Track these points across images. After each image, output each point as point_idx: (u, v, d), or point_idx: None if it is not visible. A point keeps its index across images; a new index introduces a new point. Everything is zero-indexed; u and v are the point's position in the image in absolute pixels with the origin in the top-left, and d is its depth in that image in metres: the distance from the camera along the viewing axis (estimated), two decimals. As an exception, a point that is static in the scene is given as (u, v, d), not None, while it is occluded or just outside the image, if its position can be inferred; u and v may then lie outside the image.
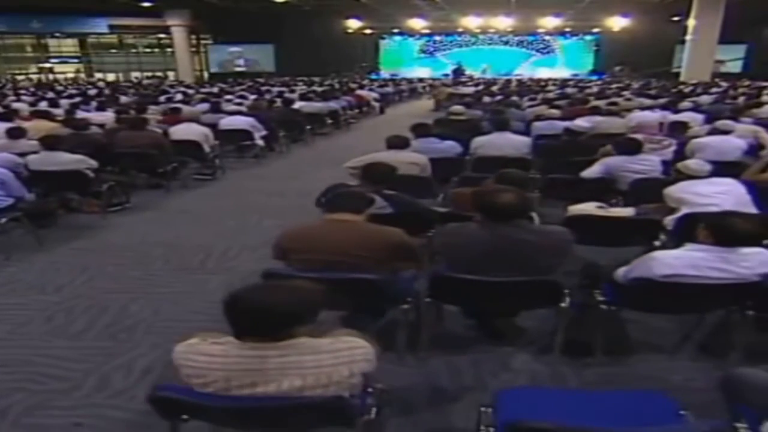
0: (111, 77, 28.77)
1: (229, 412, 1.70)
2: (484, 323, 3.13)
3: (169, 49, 30.28)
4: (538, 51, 33.16)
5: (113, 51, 31.83)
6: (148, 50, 32.54)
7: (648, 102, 10.70)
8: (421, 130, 5.68)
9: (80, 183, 5.34)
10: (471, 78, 25.84)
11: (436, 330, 3.16)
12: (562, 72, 31.01)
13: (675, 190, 3.83)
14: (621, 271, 2.64)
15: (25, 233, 4.75)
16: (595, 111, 8.12)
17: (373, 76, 28.78)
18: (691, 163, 3.96)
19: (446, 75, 28.71)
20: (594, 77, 28.53)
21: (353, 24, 30.13)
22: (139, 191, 6.47)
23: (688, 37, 23.57)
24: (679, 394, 2.49)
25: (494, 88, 16.78)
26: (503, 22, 29.41)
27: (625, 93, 13.09)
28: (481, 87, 17.02)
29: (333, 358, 1.64)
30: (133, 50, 32.40)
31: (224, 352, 1.63)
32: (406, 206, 3.58)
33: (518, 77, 26.72)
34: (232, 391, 1.62)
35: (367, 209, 2.81)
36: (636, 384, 2.73)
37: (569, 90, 15.80)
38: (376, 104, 14.51)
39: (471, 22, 29.58)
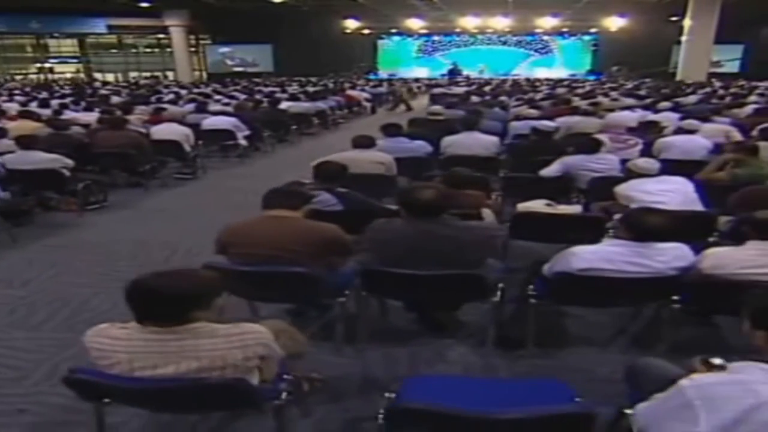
0: (110, 77, 28.94)
1: (136, 392, 1.81)
2: (423, 316, 3.24)
3: (168, 50, 30.43)
4: (536, 51, 33.21)
5: (113, 51, 32.00)
6: (146, 50, 32.71)
7: (631, 102, 10.76)
8: (391, 129, 5.80)
9: (56, 182, 5.46)
10: (467, 78, 25.91)
11: (379, 323, 3.27)
12: (560, 72, 31.04)
13: (624, 188, 3.95)
14: (546, 266, 2.75)
15: (0, 231, 4.88)
16: (574, 111, 8.21)
17: (371, 76, 28.89)
18: (641, 162, 4.06)
19: (443, 75, 28.78)
20: (591, 77, 28.58)
21: (351, 24, 30.23)
22: (118, 190, 6.60)
23: (683, 38, 23.61)
24: (603, 385, 2.62)
25: (487, 89, 16.87)
26: (501, 23, 29.48)
27: (613, 93, 13.14)
28: (473, 87, 17.08)
29: (226, 342, 1.75)
30: (133, 50, 32.58)
31: (128, 335, 1.74)
32: (357, 204, 3.69)
33: (515, 77, 26.78)
34: (136, 372, 1.73)
35: (303, 206, 2.91)
36: (563, 375, 2.82)
37: (560, 90, 15.87)
38: (368, 104, 14.62)
39: (469, 22, 29.65)
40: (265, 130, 9.23)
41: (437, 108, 8.20)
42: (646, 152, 5.69)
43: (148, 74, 30.41)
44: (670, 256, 2.54)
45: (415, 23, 29.99)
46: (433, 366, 2.94)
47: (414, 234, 2.62)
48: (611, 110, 9.12)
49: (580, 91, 14.83)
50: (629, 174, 4.05)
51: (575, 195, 4.86)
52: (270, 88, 16.06)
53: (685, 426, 1.50)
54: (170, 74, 30.04)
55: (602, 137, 5.67)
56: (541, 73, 30.46)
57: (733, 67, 28.50)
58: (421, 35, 32.66)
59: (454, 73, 27.57)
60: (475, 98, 12.60)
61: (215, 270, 2.77)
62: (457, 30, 31.59)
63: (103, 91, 15.38)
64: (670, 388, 1.57)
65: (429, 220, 2.62)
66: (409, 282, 2.71)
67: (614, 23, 28.97)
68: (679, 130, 5.79)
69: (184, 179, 7.27)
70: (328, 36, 30.05)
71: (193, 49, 31.91)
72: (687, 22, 23.28)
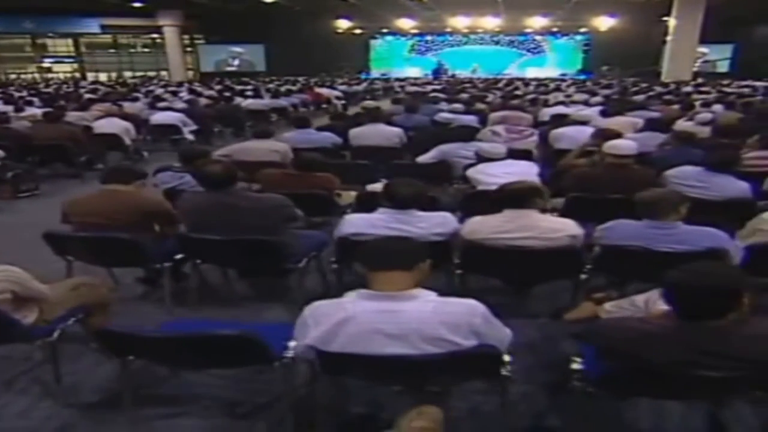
0: (103, 77, 29.50)
1: None
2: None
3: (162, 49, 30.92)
4: (528, 51, 33.35)
5: (110, 51, 32.59)
6: (140, 50, 33.28)
7: (580, 98, 11.07)
8: (299, 122, 6.18)
9: (-15, 171, 5.88)
10: (453, 77, 26.16)
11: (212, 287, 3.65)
12: (551, 72, 31.18)
13: (473, 171, 4.28)
14: (335, 231, 3.08)
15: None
16: (505, 106, 8.52)
17: (363, 76, 29.23)
18: (487, 147, 4.40)
19: (426, 74, 29.09)
20: (582, 77, 28.72)
21: (343, 24, 30.58)
22: (58, 180, 7.00)
23: (669, 37, 23.76)
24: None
25: (460, 87, 17.17)
26: (491, 22, 29.73)
27: (570, 89, 13.48)
28: (444, 86, 17.39)
29: None
30: (131, 49, 33.15)
31: None
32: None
33: (507, 77, 26.99)
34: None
35: (135, 181, 3.29)
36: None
37: (530, 88, 16.15)
38: (338, 102, 14.94)
39: (459, 22, 29.92)
40: (217, 125, 9.63)
41: (370, 103, 8.55)
42: (543, 142, 6.05)
43: (141, 74, 30.94)
44: (431, 222, 2.87)
45: (406, 23, 30.27)
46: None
47: (207, 203, 2.99)
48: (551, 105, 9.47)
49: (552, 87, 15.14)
50: (479, 158, 4.38)
51: (456, 181, 5.18)
52: (251, 86, 16.42)
53: (302, 339, 1.86)
54: (164, 73, 30.54)
55: (498, 128, 6.01)
56: (532, 73, 30.57)
57: (722, 66, 28.56)
58: (414, 35, 32.92)
59: (439, 72, 27.81)
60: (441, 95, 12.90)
61: (54, 237, 3.19)
62: (448, 30, 31.82)
63: (82, 90, 15.87)
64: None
65: (220, 191, 2.98)
66: (216, 246, 3.07)
67: (604, 23, 29.12)
68: (571, 122, 6.09)
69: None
70: (320, 36, 30.39)
71: (189, 49, 32.45)
72: (672, 22, 23.43)
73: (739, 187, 3.83)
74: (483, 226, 2.86)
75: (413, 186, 2.85)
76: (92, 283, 2.80)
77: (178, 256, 3.28)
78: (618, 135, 4.95)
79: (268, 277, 3.70)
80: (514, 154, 4.85)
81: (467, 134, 5.09)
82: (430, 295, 1.86)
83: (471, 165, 4.71)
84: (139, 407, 2.46)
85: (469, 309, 1.81)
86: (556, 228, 2.82)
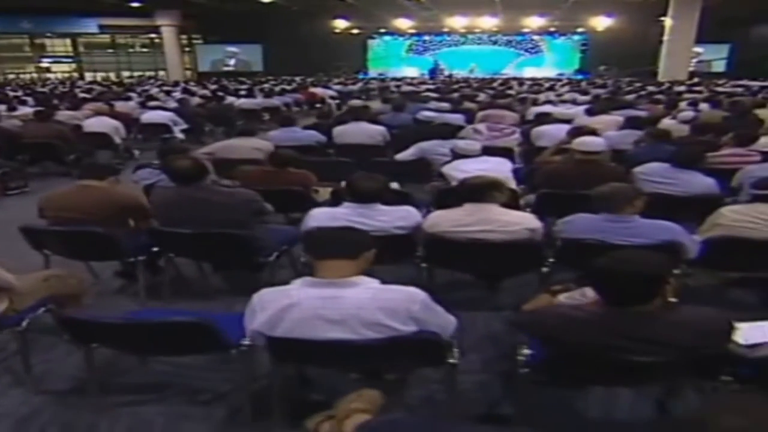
0: (101, 77, 29.57)
1: None
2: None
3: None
4: (526, 51, 33.39)
5: (109, 51, 32.67)
6: (138, 50, 33.37)
7: (569, 98, 11.15)
8: (284, 121, 6.27)
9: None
10: (450, 77, 26.23)
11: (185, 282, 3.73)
12: (548, 72, 31.22)
13: (447, 168, 4.36)
14: (302, 225, 3.15)
15: None
16: (492, 105, 8.59)
17: (361, 76, 29.30)
18: (461, 143, 4.48)
19: (423, 74, 29.17)
20: (579, 77, 28.76)
21: (340, 24, 30.66)
22: (48, 178, 7.08)
23: (665, 37, 23.80)
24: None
25: (456, 86, 17.25)
26: (489, 22, 29.80)
27: (562, 89, 13.56)
28: (438, 86, 17.48)
29: None
30: (129, 49, 33.24)
31: None
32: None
33: (505, 77, 27.05)
34: None
35: (109, 177, 3.37)
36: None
37: (524, 87, 16.25)
38: (332, 101, 15.01)
39: (457, 22, 29.99)
40: (208, 124, 9.71)
41: (356, 102, 8.64)
42: (525, 140, 6.13)
43: (139, 73, 31.03)
44: (393, 216, 2.95)
45: (403, 23, 30.34)
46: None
47: (177, 198, 3.06)
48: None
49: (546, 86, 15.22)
50: (454, 155, 4.46)
51: (435, 178, 5.25)
52: (245, 86, 16.51)
53: (250, 325, 1.94)
54: (162, 73, 30.62)
55: (480, 126, 6.09)
56: (530, 72, 30.62)
57: (719, 66, 28.63)
58: (411, 35, 32.97)
59: (435, 72, 27.90)
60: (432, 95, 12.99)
61: (30, 231, 3.27)
62: (446, 30, 31.89)
63: (77, 90, 15.97)
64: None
65: (190, 186, 3.06)
66: (186, 240, 3.15)
67: (601, 23, 29.18)
68: (552, 120, 6.16)
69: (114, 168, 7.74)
70: (318, 36, 30.47)
71: (188, 49, 32.55)
72: (668, 22, 23.48)
73: (705, 183, 3.91)
74: (443, 220, 2.93)
75: (375, 181, 2.93)
76: (63, 274, 2.88)
77: (153, 250, 3.36)
78: (593, 132, 5.03)
79: (242, 271, 3.77)
80: (493, 151, 4.95)
81: (447, 132, 5.17)
82: (373, 283, 1.93)
83: (447, 162, 4.81)
84: (106, 395, 2.55)
85: (407, 296, 1.89)
86: (514, 221, 2.89)
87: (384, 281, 2.00)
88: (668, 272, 1.73)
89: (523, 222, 2.91)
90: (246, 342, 2.14)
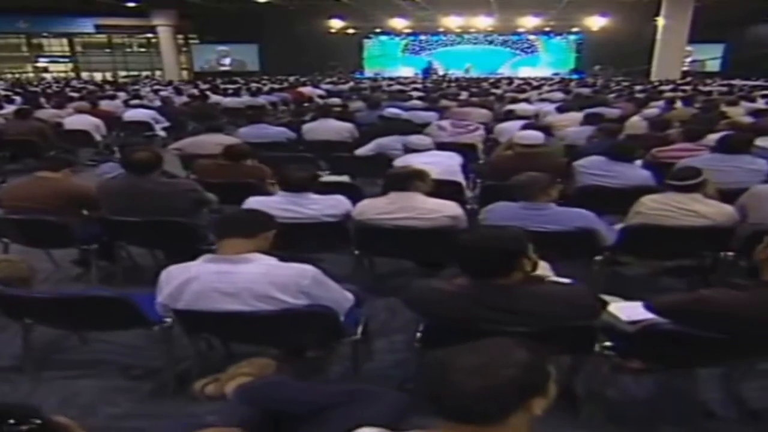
0: (98, 76, 29.80)
1: None
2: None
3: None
4: (522, 51, 33.53)
5: (105, 51, 32.90)
6: (135, 50, 33.60)
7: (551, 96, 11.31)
8: (254, 118, 6.43)
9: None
10: (444, 77, 26.39)
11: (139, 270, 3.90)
12: (544, 71, 31.35)
13: (398, 161, 4.50)
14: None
15: None
16: (468, 103, 8.76)
17: (357, 75, 29.49)
18: (413, 139, 4.63)
19: (417, 74, 29.34)
20: (575, 76, 28.89)
21: (336, 24, 30.82)
22: (28, 174, 7.26)
23: (658, 37, 23.93)
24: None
25: (445, 85, 17.44)
26: (484, 22, 29.94)
27: (546, 87, 13.73)
28: (426, 85, 17.65)
29: None
30: (126, 49, 33.47)
31: None
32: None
33: (498, 76, 27.20)
34: None
35: (64, 168, 3.55)
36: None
37: (513, 87, 16.39)
38: (320, 101, 15.17)
39: (452, 21, 30.13)
40: (192, 123, 9.89)
41: (335, 100, 8.82)
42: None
43: (135, 73, 31.26)
44: (323, 205, 3.12)
45: (399, 23, 30.48)
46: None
47: (128, 188, 3.25)
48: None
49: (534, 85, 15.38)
50: (406, 150, 4.62)
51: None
52: (234, 86, 16.70)
53: (159, 298, 2.11)
54: (159, 73, 30.84)
55: (444, 123, 6.26)
56: (526, 72, 30.75)
57: (713, 66, 28.75)
58: (407, 35, 33.13)
59: (428, 71, 28.06)
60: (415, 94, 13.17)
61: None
62: (442, 30, 32.04)
63: (67, 90, 16.18)
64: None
65: (141, 176, 3.24)
66: (132, 228, 3.33)
67: (596, 23, 29.31)
68: (514, 117, 6.33)
69: (94, 165, 7.92)
70: (314, 36, 30.62)
71: (185, 49, 32.77)
72: (661, 22, 23.60)
73: (641, 176, 4.07)
74: (369, 208, 3.10)
75: (306, 171, 3.09)
76: (12, 259, 3.04)
77: (104, 239, 3.53)
78: (546, 128, 5.21)
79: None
80: (455, 147, 5.11)
81: (408, 128, 5.32)
82: (269, 260, 2.10)
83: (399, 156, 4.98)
84: (44, 370, 2.73)
85: (298, 272, 2.05)
86: (434, 209, 3.06)
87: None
88: (523, 248, 1.88)
89: (443, 210, 3.07)
90: (168, 320, 2.31)
